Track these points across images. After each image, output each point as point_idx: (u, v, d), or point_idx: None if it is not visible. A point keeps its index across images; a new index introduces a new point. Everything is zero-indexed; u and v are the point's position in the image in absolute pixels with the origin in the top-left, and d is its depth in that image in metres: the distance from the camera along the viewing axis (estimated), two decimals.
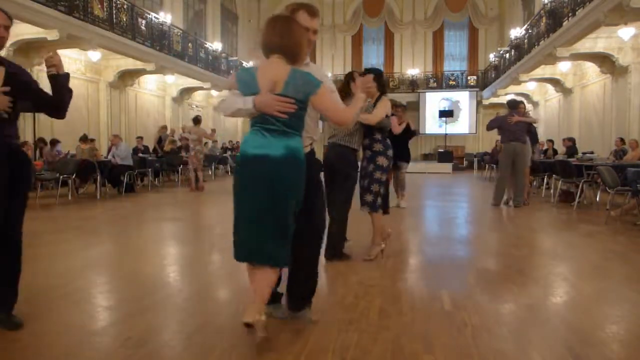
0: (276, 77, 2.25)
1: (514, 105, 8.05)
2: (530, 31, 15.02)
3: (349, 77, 4.08)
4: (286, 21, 2.38)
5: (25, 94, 2.54)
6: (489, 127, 8.29)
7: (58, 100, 2.64)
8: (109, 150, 11.09)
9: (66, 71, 2.68)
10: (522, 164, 7.70)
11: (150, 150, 14.04)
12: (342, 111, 2.45)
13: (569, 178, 7.97)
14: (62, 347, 2.36)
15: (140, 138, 13.78)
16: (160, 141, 14.31)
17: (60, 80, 2.62)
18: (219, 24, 22.00)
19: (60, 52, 12.39)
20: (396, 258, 4.33)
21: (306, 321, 2.64)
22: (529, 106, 20.00)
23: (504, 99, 21.20)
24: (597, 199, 7.97)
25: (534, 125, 8.45)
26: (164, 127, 15.22)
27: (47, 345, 2.38)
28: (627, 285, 3.56)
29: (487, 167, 16.52)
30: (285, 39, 2.29)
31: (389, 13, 24.41)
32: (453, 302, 3.05)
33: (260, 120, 2.28)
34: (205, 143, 16.33)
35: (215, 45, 19.48)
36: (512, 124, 7.66)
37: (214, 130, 14.42)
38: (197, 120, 11.00)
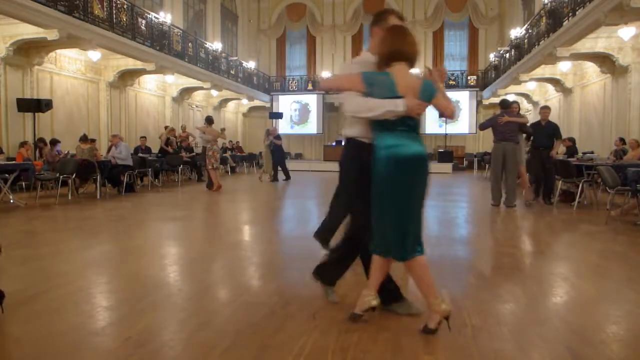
0: (413, 84, 2.51)
1: (506, 106, 8.08)
2: (530, 31, 15.01)
3: None
4: (409, 32, 2.61)
5: None
6: (482, 127, 8.35)
7: None
8: (109, 150, 11.09)
9: None
10: (512, 164, 7.73)
11: (156, 150, 14.01)
12: (446, 105, 2.62)
13: (570, 178, 7.97)
14: (62, 347, 2.36)
15: (144, 138, 13.80)
16: (167, 143, 14.32)
17: None
18: (219, 24, 22.00)
19: (60, 52, 12.44)
20: None
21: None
22: (529, 106, 20.02)
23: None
24: (597, 199, 7.97)
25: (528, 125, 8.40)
26: (173, 130, 15.10)
27: (47, 345, 2.38)
28: (627, 285, 3.56)
29: (487, 167, 16.52)
30: (415, 48, 2.56)
31: None
32: (453, 302, 3.04)
33: (400, 123, 2.49)
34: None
35: (215, 45, 19.48)
36: (503, 124, 7.71)
37: (223, 130, 14.47)
38: (210, 121, 11.11)
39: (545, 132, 8.23)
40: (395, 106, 2.43)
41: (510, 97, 20.54)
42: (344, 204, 3.72)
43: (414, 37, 2.60)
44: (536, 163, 8.29)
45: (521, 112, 8.63)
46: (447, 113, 2.60)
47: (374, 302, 2.62)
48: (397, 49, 2.53)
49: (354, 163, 2.79)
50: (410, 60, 2.55)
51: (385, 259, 2.60)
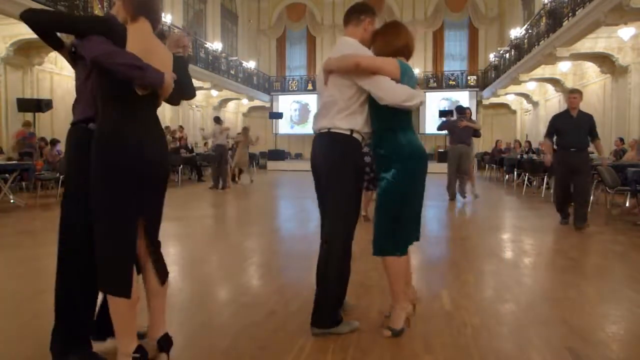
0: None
1: (462, 111, 8.88)
2: (530, 31, 15.02)
3: None
4: None
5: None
6: (439, 128, 9.20)
7: (180, 82, 2.17)
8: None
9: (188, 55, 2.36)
10: (467, 164, 8.56)
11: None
12: None
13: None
14: None
15: None
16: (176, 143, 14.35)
17: (183, 62, 2.25)
18: (219, 24, 22.00)
19: None
20: None
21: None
22: (528, 106, 20.03)
23: (504, 99, 21.30)
24: (596, 199, 7.97)
25: (480, 130, 9.13)
26: (171, 130, 15.07)
27: (47, 344, 2.38)
28: (627, 285, 3.56)
29: (487, 166, 16.52)
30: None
31: (389, 13, 24.37)
32: (453, 302, 3.05)
33: (410, 118, 2.54)
34: (205, 143, 16.36)
35: (215, 45, 19.48)
36: (460, 128, 8.47)
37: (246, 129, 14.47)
38: (247, 130, 13.06)
39: (576, 126, 5.84)
40: (422, 97, 2.46)
41: (510, 97, 20.66)
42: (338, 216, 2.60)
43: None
44: (564, 171, 5.92)
45: (473, 117, 9.36)
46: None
47: (409, 308, 2.62)
48: (409, 45, 2.56)
49: (350, 161, 2.48)
50: (409, 57, 2.58)
51: (404, 259, 2.58)
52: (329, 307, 2.50)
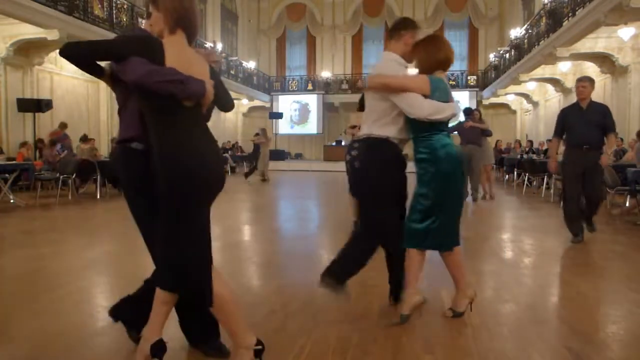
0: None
1: (469, 112, 8.95)
2: (530, 31, 15.02)
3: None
4: None
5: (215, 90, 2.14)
6: (450, 131, 9.23)
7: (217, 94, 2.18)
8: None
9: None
10: (476, 164, 8.61)
11: None
12: None
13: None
14: (62, 347, 2.36)
15: None
16: None
17: (217, 75, 2.23)
18: (219, 24, 22.00)
19: None
20: None
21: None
22: (528, 106, 20.02)
23: (504, 99, 21.28)
24: None
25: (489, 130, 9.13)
26: None
27: (47, 345, 2.38)
28: (627, 285, 3.55)
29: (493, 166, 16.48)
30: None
31: (389, 13, 24.40)
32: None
33: (445, 125, 2.71)
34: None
35: (216, 45, 19.48)
36: (468, 129, 8.52)
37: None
38: (265, 130, 14.05)
39: (587, 119, 4.91)
40: (454, 109, 2.64)
41: (510, 97, 20.66)
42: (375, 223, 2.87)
43: None
44: (573, 169, 5.00)
45: (482, 118, 9.32)
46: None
47: (420, 298, 2.68)
48: (449, 58, 2.71)
49: (392, 168, 2.77)
50: (447, 69, 2.76)
51: (423, 254, 2.76)
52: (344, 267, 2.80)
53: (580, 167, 4.93)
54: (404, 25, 2.83)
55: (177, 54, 1.97)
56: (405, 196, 2.86)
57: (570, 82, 15.27)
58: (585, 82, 5.04)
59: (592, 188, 5.00)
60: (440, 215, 2.69)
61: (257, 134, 14.22)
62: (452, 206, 2.75)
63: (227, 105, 2.31)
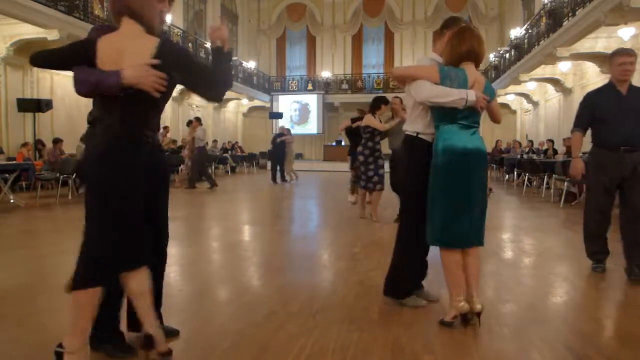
0: (480, 81, 2.72)
1: None
2: (530, 31, 15.01)
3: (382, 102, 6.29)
4: (478, 33, 2.82)
5: (179, 69, 2.09)
6: None
7: (217, 74, 2.13)
8: None
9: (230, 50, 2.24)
10: None
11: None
12: (499, 112, 2.94)
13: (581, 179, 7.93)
14: None
15: None
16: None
17: (224, 55, 2.17)
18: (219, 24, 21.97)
19: None
20: None
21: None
22: (528, 106, 20.01)
23: (504, 99, 21.25)
24: None
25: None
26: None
27: (47, 344, 2.38)
28: (627, 285, 3.55)
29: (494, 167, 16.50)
30: (484, 48, 2.75)
31: (389, 13, 24.40)
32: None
33: (465, 116, 2.66)
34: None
35: None
36: None
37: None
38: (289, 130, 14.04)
39: (629, 108, 3.61)
40: (467, 94, 2.60)
41: (510, 97, 20.65)
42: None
43: (482, 38, 2.80)
44: (603, 177, 3.72)
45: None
46: (498, 118, 2.89)
47: (466, 306, 2.62)
48: (474, 49, 2.70)
49: (413, 159, 2.88)
50: (479, 61, 2.75)
51: (459, 253, 2.71)
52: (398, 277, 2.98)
53: (616, 174, 3.64)
54: (445, 24, 2.96)
55: (106, 48, 2.03)
56: None
57: (570, 82, 15.29)
58: (631, 57, 3.61)
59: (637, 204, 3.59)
60: (434, 210, 2.69)
61: (280, 134, 13.99)
62: (446, 202, 2.65)
63: (212, 92, 2.18)
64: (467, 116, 2.67)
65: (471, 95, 2.60)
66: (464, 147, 2.64)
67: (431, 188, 2.71)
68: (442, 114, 2.68)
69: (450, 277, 2.69)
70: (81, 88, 2.04)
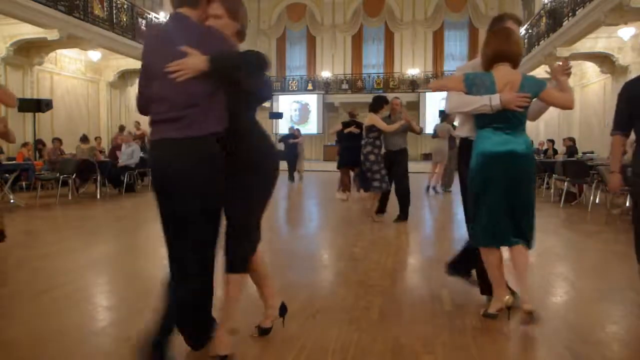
0: (513, 80, 2.61)
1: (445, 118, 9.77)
2: (530, 31, 15.02)
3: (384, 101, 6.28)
4: (513, 32, 2.73)
5: None
6: (434, 137, 10.66)
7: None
8: (115, 148, 11.05)
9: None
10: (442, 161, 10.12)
11: None
12: (566, 97, 2.75)
13: (579, 178, 7.94)
14: (62, 347, 2.36)
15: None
16: None
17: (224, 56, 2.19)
18: None
19: (60, 52, 12.42)
20: (396, 258, 4.33)
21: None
22: None
23: None
24: (597, 199, 7.96)
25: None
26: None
27: (47, 345, 2.38)
28: (627, 285, 3.55)
29: None
30: (517, 48, 2.69)
31: (389, 13, 24.39)
32: (453, 302, 3.05)
33: (499, 120, 2.62)
34: None
35: None
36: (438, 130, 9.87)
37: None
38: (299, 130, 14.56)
39: None
40: (490, 100, 2.57)
41: None
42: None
43: (518, 37, 2.72)
44: None
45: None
46: (565, 105, 2.75)
47: (510, 299, 2.68)
48: (500, 50, 2.65)
49: (463, 161, 2.94)
50: (513, 60, 2.67)
51: (498, 252, 2.72)
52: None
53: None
54: (490, 25, 3.00)
55: None
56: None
57: (570, 82, 15.21)
58: None
59: None
60: (473, 212, 2.75)
61: (291, 135, 14.55)
62: (481, 204, 2.70)
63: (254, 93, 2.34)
64: (500, 119, 2.62)
65: (495, 100, 2.55)
66: (495, 150, 2.62)
67: (469, 191, 2.79)
68: (477, 119, 2.71)
69: (492, 275, 2.75)
70: None
